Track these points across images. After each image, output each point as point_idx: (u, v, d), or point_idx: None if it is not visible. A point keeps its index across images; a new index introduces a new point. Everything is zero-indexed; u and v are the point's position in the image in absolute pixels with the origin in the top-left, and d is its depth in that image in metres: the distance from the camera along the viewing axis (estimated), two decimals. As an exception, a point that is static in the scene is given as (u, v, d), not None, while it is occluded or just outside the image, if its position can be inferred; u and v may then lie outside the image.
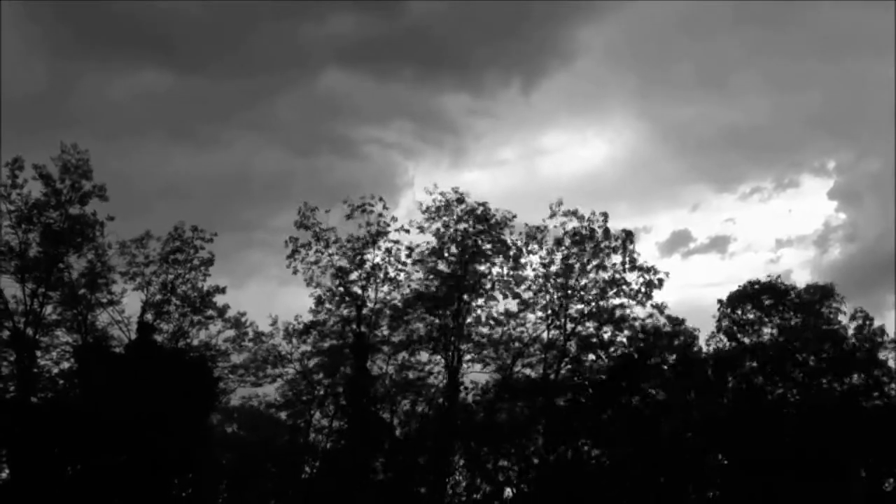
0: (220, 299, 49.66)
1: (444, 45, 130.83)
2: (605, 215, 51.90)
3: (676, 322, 52.32)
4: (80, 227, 47.24)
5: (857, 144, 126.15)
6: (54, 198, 46.79)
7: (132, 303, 48.82)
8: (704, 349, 52.81)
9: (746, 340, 52.27)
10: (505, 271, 51.73)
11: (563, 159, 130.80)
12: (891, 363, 51.50)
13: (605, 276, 51.73)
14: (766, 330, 52.46)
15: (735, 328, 52.56)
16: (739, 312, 52.93)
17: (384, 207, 50.31)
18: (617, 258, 51.84)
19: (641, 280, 51.56)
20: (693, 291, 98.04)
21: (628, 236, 52.01)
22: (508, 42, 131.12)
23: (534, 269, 51.92)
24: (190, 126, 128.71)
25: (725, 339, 52.50)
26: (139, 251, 48.70)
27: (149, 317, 48.21)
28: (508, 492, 52.11)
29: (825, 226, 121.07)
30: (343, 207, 50.10)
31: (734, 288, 53.78)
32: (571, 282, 51.98)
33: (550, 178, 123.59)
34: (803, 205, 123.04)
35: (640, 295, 51.48)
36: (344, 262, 50.62)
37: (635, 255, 51.91)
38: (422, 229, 50.84)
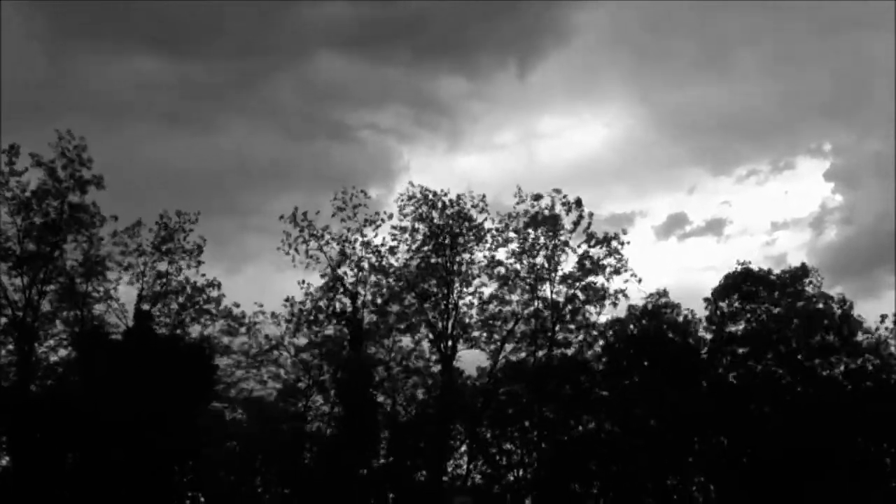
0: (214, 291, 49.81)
1: (438, 28, 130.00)
2: (559, 191, 53.30)
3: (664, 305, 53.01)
4: (80, 215, 47.22)
5: (853, 126, 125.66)
6: (53, 186, 46.75)
7: (128, 291, 49.01)
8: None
9: (734, 329, 52.60)
10: (483, 255, 53.16)
11: (561, 143, 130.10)
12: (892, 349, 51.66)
13: (572, 251, 53.04)
14: (753, 317, 52.74)
15: (724, 319, 52.86)
16: (725, 304, 53.20)
17: (366, 197, 52.88)
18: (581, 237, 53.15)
19: (605, 252, 52.76)
20: (689, 275, 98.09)
21: (577, 204, 53.06)
22: (503, 23, 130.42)
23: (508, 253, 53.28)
24: (184, 111, 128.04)
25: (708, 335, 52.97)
26: (131, 241, 48.68)
27: (145, 306, 48.30)
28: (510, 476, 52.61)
29: (821, 208, 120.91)
30: (331, 203, 52.43)
31: (730, 271, 54.05)
32: (545, 262, 53.11)
33: (548, 161, 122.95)
34: (799, 187, 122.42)
35: (607, 268, 52.67)
36: (334, 253, 52.18)
37: (588, 224, 52.98)
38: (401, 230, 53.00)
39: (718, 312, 52.99)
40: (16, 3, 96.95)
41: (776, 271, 54.06)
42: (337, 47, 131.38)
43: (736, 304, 53.13)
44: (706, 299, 53.64)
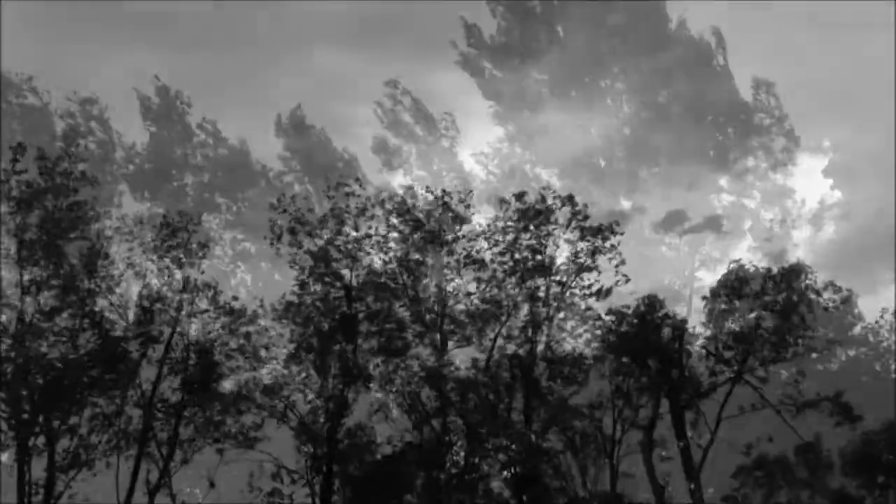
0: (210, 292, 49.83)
1: (436, 22, 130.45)
2: (547, 188, 53.34)
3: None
4: (81, 211, 47.59)
5: (852, 121, 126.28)
6: (52, 182, 46.97)
7: (129, 289, 49.41)
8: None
9: (734, 327, 52.76)
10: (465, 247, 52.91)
11: (560, 139, 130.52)
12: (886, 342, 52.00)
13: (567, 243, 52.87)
14: (751, 316, 52.74)
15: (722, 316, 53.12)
16: (723, 304, 53.37)
17: (360, 186, 52.44)
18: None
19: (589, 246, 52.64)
20: (688, 271, 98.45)
21: (569, 199, 52.87)
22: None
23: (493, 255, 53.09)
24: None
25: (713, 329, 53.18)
26: (138, 238, 49.00)
27: (146, 303, 48.54)
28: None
29: (820, 204, 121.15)
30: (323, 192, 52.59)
31: (727, 269, 54.57)
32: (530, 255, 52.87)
33: (548, 157, 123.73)
34: (798, 183, 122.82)
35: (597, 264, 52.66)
36: (324, 239, 51.84)
37: (585, 217, 52.70)
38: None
39: (716, 311, 53.24)
40: (16, 3, 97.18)
41: (774, 269, 54.33)
42: (336, 42, 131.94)
43: (735, 303, 53.42)
44: (704, 298, 54.03)
